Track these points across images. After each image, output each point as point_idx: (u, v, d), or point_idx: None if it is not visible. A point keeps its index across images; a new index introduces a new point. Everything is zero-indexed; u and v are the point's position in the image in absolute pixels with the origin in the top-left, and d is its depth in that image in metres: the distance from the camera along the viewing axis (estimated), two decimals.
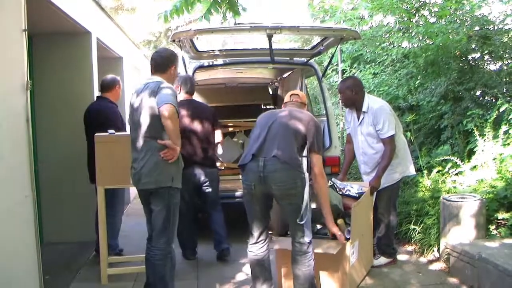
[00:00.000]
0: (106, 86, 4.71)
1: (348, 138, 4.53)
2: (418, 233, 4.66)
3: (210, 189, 4.68)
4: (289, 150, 3.32)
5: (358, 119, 4.26)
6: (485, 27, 6.14)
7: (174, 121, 3.14)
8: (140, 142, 3.32)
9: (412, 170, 4.38)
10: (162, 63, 3.45)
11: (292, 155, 3.31)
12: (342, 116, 7.44)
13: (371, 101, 4.21)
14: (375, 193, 4.20)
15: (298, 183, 3.28)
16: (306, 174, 3.45)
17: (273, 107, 7.03)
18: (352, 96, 4.20)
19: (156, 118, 3.24)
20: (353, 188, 4.03)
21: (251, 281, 3.63)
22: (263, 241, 3.51)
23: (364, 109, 4.18)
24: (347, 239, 3.59)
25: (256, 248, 3.51)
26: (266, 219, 3.50)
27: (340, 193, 3.97)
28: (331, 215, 3.53)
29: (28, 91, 3.32)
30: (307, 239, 3.36)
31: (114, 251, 4.61)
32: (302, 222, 3.33)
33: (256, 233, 3.49)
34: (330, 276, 3.68)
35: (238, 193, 5.11)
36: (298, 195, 3.30)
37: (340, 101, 4.38)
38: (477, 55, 6.39)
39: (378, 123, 4.09)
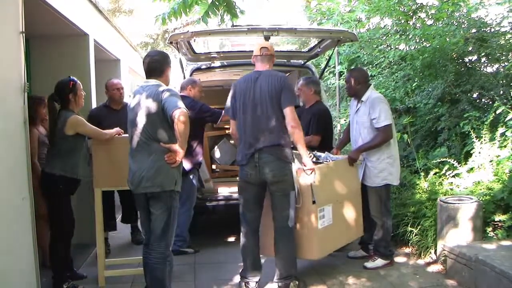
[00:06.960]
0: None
1: (348, 124, 4.67)
2: (415, 235, 4.66)
3: None
4: (277, 137, 3.59)
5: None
6: (482, 30, 6.17)
7: (187, 125, 3.13)
8: (141, 145, 3.28)
9: (395, 181, 4.31)
10: (158, 67, 3.41)
11: (280, 145, 3.59)
12: (340, 118, 7.45)
13: (373, 93, 4.31)
14: (361, 171, 4.31)
15: (287, 171, 3.64)
16: (293, 165, 3.71)
17: None
18: (354, 86, 4.32)
19: (159, 121, 3.23)
20: (332, 158, 4.25)
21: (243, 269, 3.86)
22: (256, 231, 3.80)
23: (363, 99, 4.26)
24: (313, 202, 3.79)
25: (249, 235, 3.78)
26: (260, 208, 3.78)
27: (319, 161, 4.17)
28: (306, 151, 3.74)
29: (26, 93, 3.32)
30: (290, 223, 3.69)
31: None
32: (288, 208, 3.66)
33: (250, 221, 3.77)
34: (298, 238, 3.83)
35: (234, 195, 5.10)
36: (287, 182, 3.65)
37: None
38: (474, 57, 6.41)
39: (375, 111, 4.15)
